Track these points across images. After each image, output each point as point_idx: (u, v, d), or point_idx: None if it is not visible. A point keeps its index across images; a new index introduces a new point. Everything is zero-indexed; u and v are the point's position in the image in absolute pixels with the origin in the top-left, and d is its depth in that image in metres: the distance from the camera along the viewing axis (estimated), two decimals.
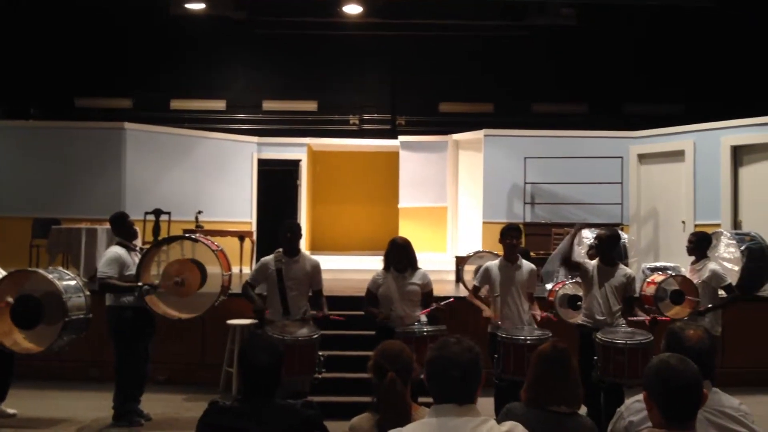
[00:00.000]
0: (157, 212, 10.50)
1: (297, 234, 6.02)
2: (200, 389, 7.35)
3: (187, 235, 7.17)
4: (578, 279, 6.22)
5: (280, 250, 5.92)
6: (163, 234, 9.91)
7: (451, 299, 6.12)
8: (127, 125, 11.40)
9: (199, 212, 10.93)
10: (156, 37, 13.36)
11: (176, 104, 13.85)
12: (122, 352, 6.11)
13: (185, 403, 7.07)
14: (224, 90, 14.05)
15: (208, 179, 12.26)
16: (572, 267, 6.13)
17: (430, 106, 14.10)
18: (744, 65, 12.68)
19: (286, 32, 13.73)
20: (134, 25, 13.24)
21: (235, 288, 6.86)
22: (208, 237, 7.33)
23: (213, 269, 6.24)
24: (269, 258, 5.94)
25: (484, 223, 11.71)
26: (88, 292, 6.03)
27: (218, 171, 12.45)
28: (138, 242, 8.24)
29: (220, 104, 14.00)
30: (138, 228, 8.24)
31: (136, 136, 11.46)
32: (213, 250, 6.26)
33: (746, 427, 2.84)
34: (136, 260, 6.14)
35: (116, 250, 6.13)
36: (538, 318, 5.93)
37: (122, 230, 6.33)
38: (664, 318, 5.88)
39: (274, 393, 2.87)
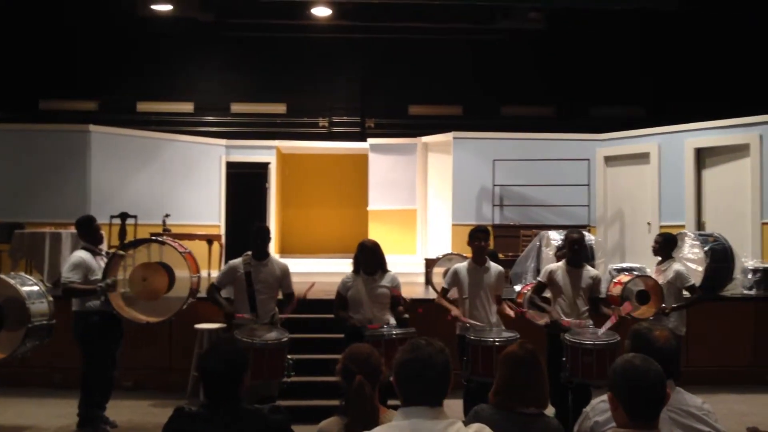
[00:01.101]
0: (124, 216, 10.36)
1: (266, 238, 5.99)
2: (168, 395, 7.26)
3: (154, 237, 7.08)
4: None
5: (249, 253, 5.89)
6: (130, 238, 9.78)
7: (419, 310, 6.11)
8: (93, 128, 11.23)
9: (167, 216, 10.80)
10: (122, 38, 13.21)
11: (143, 106, 13.70)
12: (89, 358, 6.02)
13: (152, 409, 6.98)
14: (192, 92, 13.93)
15: (176, 182, 12.13)
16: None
17: (399, 109, 14.13)
18: (706, 69, 12.91)
19: (254, 34, 13.68)
20: (100, 27, 13.08)
21: (202, 292, 6.79)
22: (176, 240, 7.25)
23: (181, 272, 6.18)
24: (237, 261, 5.90)
25: (453, 225, 11.76)
26: (51, 298, 5.92)
27: (186, 174, 12.34)
28: (104, 246, 8.16)
29: (187, 106, 13.88)
30: (104, 232, 8.15)
31: (101, 138, 11.30)
32: (180, 253, 6.19)
33: (709, 426, 2.88)
34: (102, 264, 6.05)
35: (81, 255, 6.03)
36: (511, 314, 5.97)
37: (88, 234, 6.22)
38: (626, 310, 5.94)
39: (238, 398, 2.84)
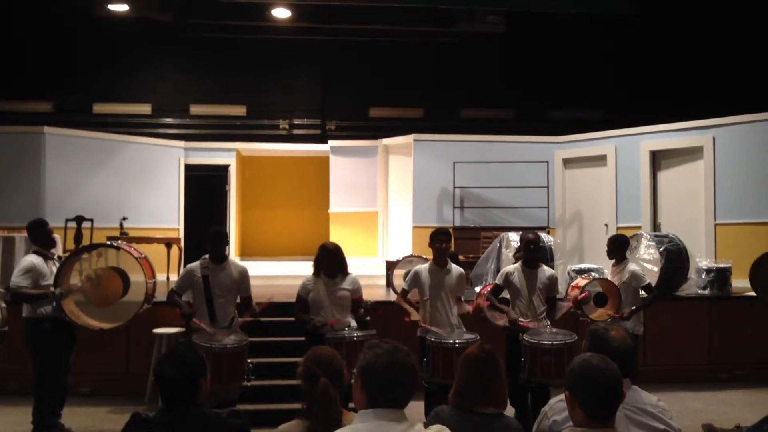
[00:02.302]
0: (79, 219, 10.15)
1: (223, 242, 5.92)
2: (125, 401, 7.14)
3: (108, 242, 6.94)
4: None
5: (207, 256, 5.82)
6: (86, 242, 9.60)
7: (379, 312, 6.09)
8: (47, 129, 11.00)
9: (124, 219, 10.62)
10: (78, 38, 12.98)
11: (99, 108, 13.47)
12: (41, 365, 5.87)
13: (110, 416, 6.85)
14: (150, 93, 13.75)
15: (134, 185, 11.95)
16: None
17: (360, 111, 14.13)
18: (662, 72, 13.19)
19: (213, 35, 13.56)
20: (55, 26, 12.83)
21: (161, 296, 6.70)
22: (132, 244, 7.14)
23: (136, 277, 6.08)
24: (195, 265, 5.83)
25: (414, 227, 11.80)
26: (3, 304, 5.76)
27: (144, 176, 12.16)
28: (59, 250, 7.99)
29: (145, 108, 13.69)
30: (59, 236, 7.96)
31: (56, 140, 11.08)
32: (136, 258, 6.09)
33: (664, 423, 2.93)
34: (54, 269, 5.92)
35: (31, 259, 5.88)
36: (470, 310, 6.01)
37: (40, 238, 6.07)
38: (583, 295, 6.02)
39: (196, 403, 2.81)
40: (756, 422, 4.25)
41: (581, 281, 6.73)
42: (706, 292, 8.73)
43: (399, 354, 2.43)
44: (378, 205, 13.15)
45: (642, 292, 6.64)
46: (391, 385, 2.39)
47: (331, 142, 13.39)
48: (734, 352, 8.27)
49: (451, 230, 10.35)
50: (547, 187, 11.75)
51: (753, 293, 7.98)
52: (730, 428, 5.44)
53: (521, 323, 5.83)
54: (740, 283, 8.70)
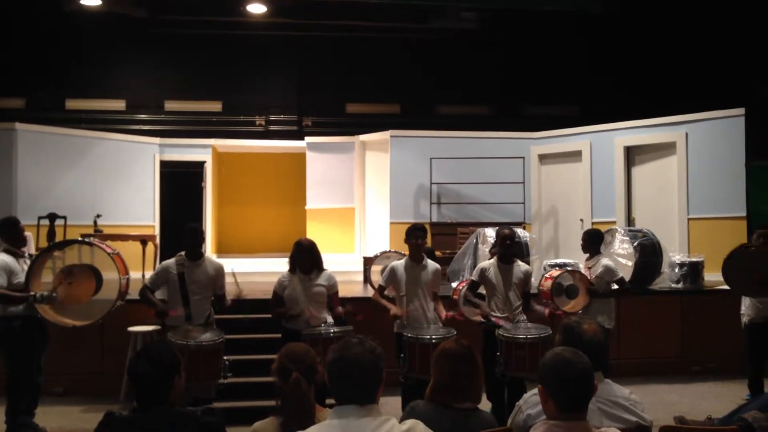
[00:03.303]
0: (52, 216, 10.05)
1: (198, 238, 5.89)
2: (100, 400, 7.07)
3: (79, 239, 6.86)
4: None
5: (182, 253, 5.78)
6: (59, 239, 9.49)
7: (359, 317, 6.07)
8: (19, 125, 10.87)
9: (98, 216, 10.53)
10: (50, 33, 12.83)
11: (72, 104, 13.33)
12: (13, 364, 5.80)
13: (84, 415, 6.78)
14: (124, 89, 13.62)
15: (108, 182, 11.82)
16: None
17: (336, 107, 14.11)
18: (636, 69, 13.32)
19: (188, 31, 13.46)
20: (27, 21, 12.64)
21: (136, 293, 6.64)
22: (106, 241, 7.07)
23: (109, 274, 6.02)
24: (171, 262, 5.79)
25: (391, 223, 11.80)
26: None
27: (118, 173, 12.03)
28: (31, 248, 7.89)
29: (119, 104, 13.56)
30: (31, 233, 7.85)
31: (28, 136, 10.95)
32: (109, 254, 6.03)
33: (636, 415, 2.98)
34: (25, 267, 5.84)
35: (2, 258, 5.79)
36: (443, 317, 6.01)
37: (10, 236, 5.98)
38: (559, 312, 6.07)
39: (169, 401, 2.80)
40: (726, 414, 4.35)
41: (554, 273, 6.78)
42: (679, 285, 8.85)
43: (352, 350, 2.43)
44: (355, 202, 13.14)
45: (615, 286, 6.70)
46: (344, 381, 2.41)
47: (308, 139, 13.34)
48: (706, 345, 8.38)
49: (427, 226, 10.38)
50: (523, 182, 11.81)
51: (725, 287, 8.08)
52: (702, 420, 5.52)
53: (494, 318, 5.86)
54: (712, 276, 8.81)
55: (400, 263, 6.10)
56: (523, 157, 11.88)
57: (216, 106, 13.87)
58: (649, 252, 8.77)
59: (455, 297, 6.94)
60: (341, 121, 13.93)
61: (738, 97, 10.77)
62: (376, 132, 12.72)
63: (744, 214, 9.87)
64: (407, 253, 6.17)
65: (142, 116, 13.60)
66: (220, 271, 5.88)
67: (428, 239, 8.17)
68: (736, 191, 9.97)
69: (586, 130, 11.67)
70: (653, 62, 13.17)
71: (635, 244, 8.72)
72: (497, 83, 13.93)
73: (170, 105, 13.74)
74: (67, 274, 5.80)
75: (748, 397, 6.36)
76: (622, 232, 9.09)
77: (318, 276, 5.80)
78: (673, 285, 8.91)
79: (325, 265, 5.95)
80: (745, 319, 6.65)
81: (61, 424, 6.43)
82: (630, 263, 8.62)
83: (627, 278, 7.26)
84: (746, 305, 6.65)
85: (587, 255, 6.81)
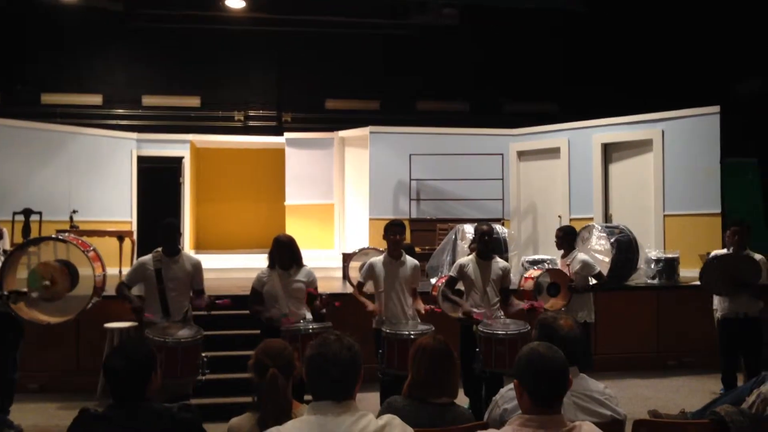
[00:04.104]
0: (27, 212, 9.94)
1: (175, 234, 5.85)
2: (76, 397, 6.98)
3: (54, 235, 6.78)
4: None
5: (159, 249, 5.74)
6: (35, 235, 9.39)
7: (336, 303, 6.07)
8: None
9: (74, 212, 10.43)
10: (25, 27, 12.65)
11: (48, 98, 13.17)
12: None
13: (59, 412, 6.72)
14: (101, 84, 13.50)
15: (84, 177, 11.71)
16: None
17: (316, 103, 14.08)
18: (615, 66, 13.42)
19: (166, 25, 13.35)
20: (2, 14, 12.46)
21: (112, 289, 6.59)
22: (83, 237, 7.00)
23: (85, 270, 5.96)
24: (147, 258, 5.74)
25: (370, 219, 11.81)
26: None
27: (95, 168, 11.92)
28: (6, 244, 7.79)
29: (96, 99, 13.42)
30: (6, 229, 7.76)
31: (3, 131, 10.84)
32: (83, 251, 5.97)
33: (610, 409, 3.02)
34: None
35: None
36: (422, 311, 6.02)
37: None
38: (539, 305, 6.11)
39: (145, 398, 2.78)
40: (700, 408, 4.41)
41: (534, 272, 6.82)
42: (655, 281, 8.94)
43: (329, 347, 2.44)
44: (334, 198, 13.13)
45: (593, 281, 6.76)
46: (321, 377, 2.42)
47: (287, 134, 13.31)
48: (682, 339, 8.49)
49: (406, 222, 10.38)
50: (502, 179, 11.87)
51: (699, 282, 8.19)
52: (676, 414, 5.59)
53: (475, 314, 5.88)
54: (687, 272, 8.93)
55: (378, 259, 6.10)
56: (502, 154, 11.94)
57: (194, 102, 13.77)
58: (625, 248, 8.85)
59: (434, 293, 6.96)
60: (320, 117, 13.91)
61: (713, 95, 10.90)
62: (356, 128, 12.72)
63: (719, 210, 10.00)
64: (386, 249, 6.17)
65: (119, 111, 13.49)
66: (197, 267, 5.84)
67: (407, 235, 8.19)
68: (711, 188, 10.10)
69: (564, 127, 11.75)
70: (631, 60, 13.28)
71: (612, 240, 8.80)
72: (477, 80, 13.98)
73: (148, 100, 13.63)
74: (41, 274, 5.73)
75: (722, 391, 6.44)
76: (600, 228, 9.17)
77: (297, 272, 5.79)
78: (649, 281, 9.01)
79: (305, 261, 5.94)
80: (717, 315, 6.74)
81: (36, 422, 6.35)
82: (607, 259, 8.70)
83: (604, 273, 7.32)
84: (718, 301, 6.74)
85: (562, 252, 6.85)
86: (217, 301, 5.80)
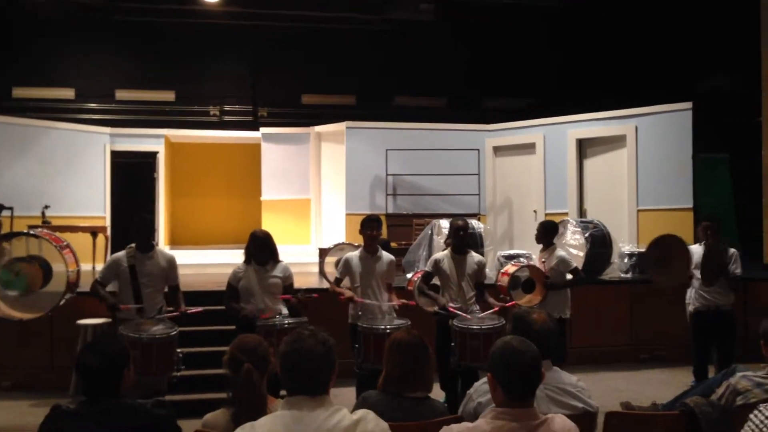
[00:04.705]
0: None
1: (148, 229, 5.81)
2: (49, 394, 6.88)
3: (26, 231, 6.70)
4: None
5: (133, 245, 5.70)
6: (6, 231, 9.25)
7: (314, 295, 6.05)
8: None
9: (46, 207, 10.30)
10: None
11: (19, 92, 12.97)
12: None
13: (32, 409, 6.64)
14: (73, 78, 13.32)
15: (57, 172, 11.55)
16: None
17: (292, 98, 14.02)
18: (589, 62, 13.52)
19: (140, 19, 13.19)
20: None
21: (86, 285, 6.52)
22: (56, 233, 6.92)
23: (58, 267, 5.90)
24: (121, 254, 5.70)
25: (347, 214, 11.78)
26: None
27: (67, 163, 11.76)
28: None
29: (68, 93, 13.25)
30: None
31: None
32: (56, 246, 5.90)
33: (582, 401, 3.06)
34: None
35: None
36: (396, 306, 6.04)
37: None
38: (511, 303, 6.16)
39: (117, 394, 2.77)
40: (670, 399, 4.48)
41: (511, 268, 6.85)
42: (629, 275, 9.05)
43: (304, 342, 2.45)
44: (311, 193, 13.09)
45: (569, 276, 6.81)
46: (295, 372, 2.42)
47: (263, 129, 13.23)
48: (655, 333, 8.60)
49: (383, 217, 10.38)
50: (478, 174, 11.92)
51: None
52: (647, 406, 5.67)
53: (451, 309, 5.92)
54: None
55: (354, 254, 6.12)
56: (478, 149, 11.99)
57: (169, 96, 13.66)
58: (599, 243, 8.94)
59: (410, 288, 6.98)
60: (297, 112, 13.86)
61: (686, 92, 11.03)
62: (332, 123, 12.68)
63: (691, 205, 10.12)
64: (362, 244, 6.18)
65: (93, 105, 13.32)
66: (172, 263, 5.81)
67: (384, 230, 8.19)
68: (684, 183, 10.22)
69: (539, 122, 11.82)
70: (606, 56, 13.38)
71: (587, 235, 8.88)
72: (454, 75, 14.01)
73: (121, 94, 13.49)
74: (14, 270, 5.67)
75: (693, 383, 6.54)
76: (574, 223, 9.26)
77: (273, 267, 5.78)
78: (622, 275, 9.11)
79: (281, 257, 5.93)
80: (690, 308, 6.84)
81: (8, 419, 6.30)
82: (581, 254, 8.78)
83: (579, 268, 7.38)
84: (691, 294, 6.84)
85: (541, 246, 6.90)
86: (189, 311, 5.74)
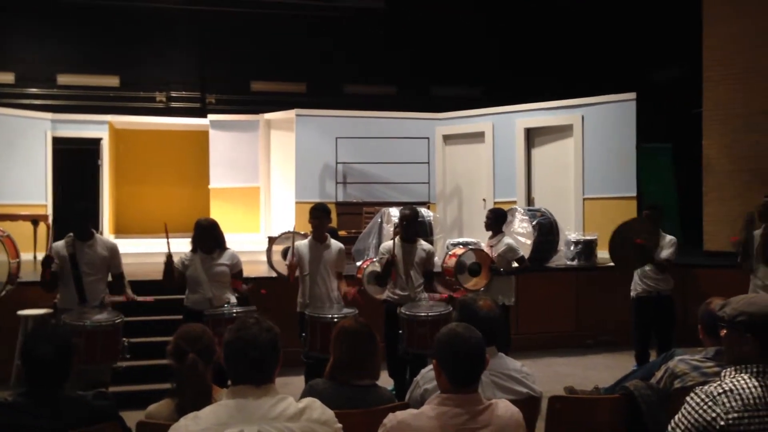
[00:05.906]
0: None
1: (86, 218, 5.67)
2: None
3: None
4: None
5: (71, 234, 5.55)
6: None
7: (262, 291, 6.01)
8: None
9: None
10: None
11: None
12: None
13: None
14: (13, 61, 12.92)
15: None
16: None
17: (241, 85, 13.86)
18: (537, 52, 13.69)
19: (84, 1, 12.83)
20: None
21: (26, 276, 6.35)
22: None
23: None
24: (60, 244, 5.54)
25: (297, 202, 11.71)
26: None
27: (6, 149, 11.37)
28: None
29: (8, 77, 12.84)
30: None
31: None
32: None
33: (526, 387, 3.12)
34: None
35: None
36: (349, 297, 6.02)
37: None
38: (461, 291, 6.22)
39: (61, 385, 2.70)
40: (611, 383, 4.58)
41: (458, 251, 6.91)
42: (574, 263, 9.23)
43: (248, 330, 2.43)
44: (260, 181, 12.96)
45: (515, 264, 6.90)
46: (240, 360, 2.41)
47: (211, 116, 13.03)
48: (600, 319, 8.80)
49: (333, 206, 10.39)
50: (428, 162, 11.97)
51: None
52: (590, 390, 5.79)
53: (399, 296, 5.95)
54: (605, 254, 9.17)
55: (303, 243, 6.09)
56: (428, 138, 12.03)
57: (113, 81, 13.34)
58: (546, 231, 9.08)
59: (359, 276, 6.98)
60: (246, 99, 13.70)
61: (630, 82, 11.25)
62: (282, 111, 12.56)
63: (634, 194, 10.34)
64: (310, 232, 6.15)
65: (33, 90, 12.94)
66: (114, 251, 5.69)
67: (334, 219, 8.17)
68: (628, 172, 10.43)
69: (488, 111, 11.91)
70: (554, 46, 13.57)
71: (534, 223, 9.01)
72: (404, 64, 14.02)
73: (64, 79, 13.12)
74: None
75: (635, 367, 6.71)
76: (522, 211, 9.38)
77: (220, 255, 5.72)
78: (568, 262, 9.28)
79: (230, 245, 5.87)
80: (632, 294, 7.02)
81: None
82: (529, 242, 8.91)
83: (526, 256, 7.49)
84: (633, 281, 7.02)
85: (490, 233, 6.97)
86: (138, 300, 5.67)
